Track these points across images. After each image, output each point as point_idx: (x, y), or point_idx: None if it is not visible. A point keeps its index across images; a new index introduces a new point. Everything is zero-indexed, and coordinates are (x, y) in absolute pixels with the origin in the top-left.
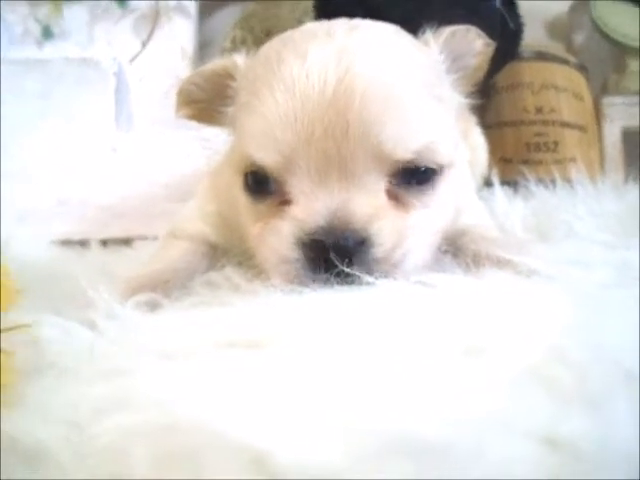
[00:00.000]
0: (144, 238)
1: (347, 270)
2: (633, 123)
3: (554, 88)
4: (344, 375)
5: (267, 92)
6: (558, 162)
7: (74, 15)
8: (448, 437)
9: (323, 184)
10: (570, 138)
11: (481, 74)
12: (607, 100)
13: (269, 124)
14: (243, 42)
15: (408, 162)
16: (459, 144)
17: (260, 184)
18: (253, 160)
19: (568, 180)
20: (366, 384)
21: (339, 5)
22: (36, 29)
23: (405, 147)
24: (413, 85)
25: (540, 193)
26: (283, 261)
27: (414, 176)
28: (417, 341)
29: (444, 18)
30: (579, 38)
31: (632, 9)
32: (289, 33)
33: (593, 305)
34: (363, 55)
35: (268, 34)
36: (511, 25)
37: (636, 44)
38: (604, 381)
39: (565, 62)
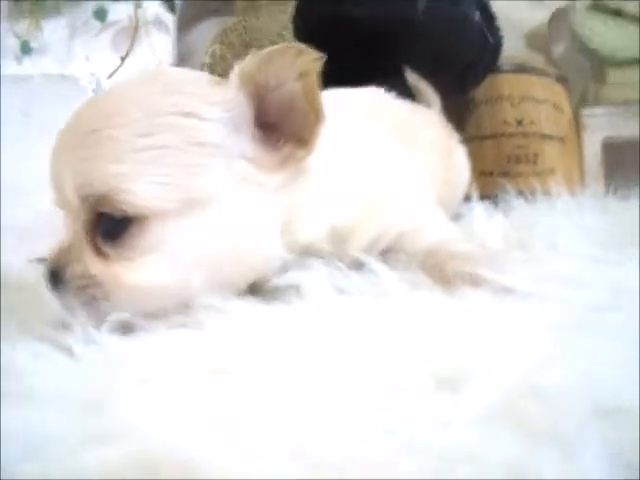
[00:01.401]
0: None
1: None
2: (614, 133)
3: (534, 100)
4: (311, 404)
5: None
6: (538, 174)
7: (53, 30)
8: (415, 470)
9: (63, 223)
10: (550, 150)
11: (313, 104)
12: (587, 111)
13: None
14: (222, 58)
15: (93, 210)
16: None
17: None
18: None
19: (548, 192)
20: (332, 414)
21: (315, 23)
22: (15, 44)
23: (78, 198)
24: (113, 130)
25: (520, 206)
26: None
27: (108, 224)
28: (386, 367)
29: (423, 35)
30: (558, 49)
31: (611, 20)
32: None
33: (575, 330)
34: (90, 106)
35: (247, 47)
36: (491, 40)
37: (615, 55)
38: (576, 419)
39: (544, 74)
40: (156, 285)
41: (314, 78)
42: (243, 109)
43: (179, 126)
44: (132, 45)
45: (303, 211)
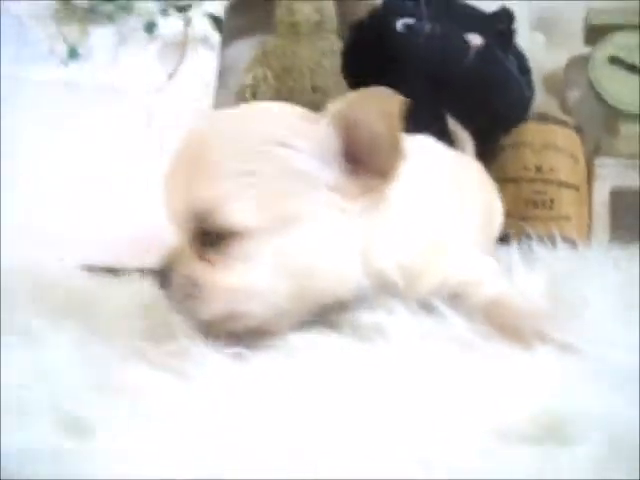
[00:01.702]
0: None
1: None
2: (621, 184)
3: (554, 149)
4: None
5: None
6: (553, 219)
7: (100, 37)
8: None
9: (176, 230)
10: (566, 197)
11: (394, 142)
12: (599, 161)
13: None
14: (264, 80)
15: (198, 223)
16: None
17: None
18: None
19: (563, 237)
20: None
21: (366, 61)
22: (62, 49)
23: (186, 213)
24: (217, 155)
25: (546, 255)
26: None
27: (210, 235)
28: (470, 417)
29: (467, 86)
30: (574, 95)
31: (628, 75)
32: None
33: None
34: (199, 134)
35: (287, 71)
36: (527, 93)
37: (629, 109)
38: None
39: (564, 124)
40: (247, 288)
41: (396, 118)
42: (332, 143)
43: (274, 155)
44: (180, 62)
45: (379, 239)
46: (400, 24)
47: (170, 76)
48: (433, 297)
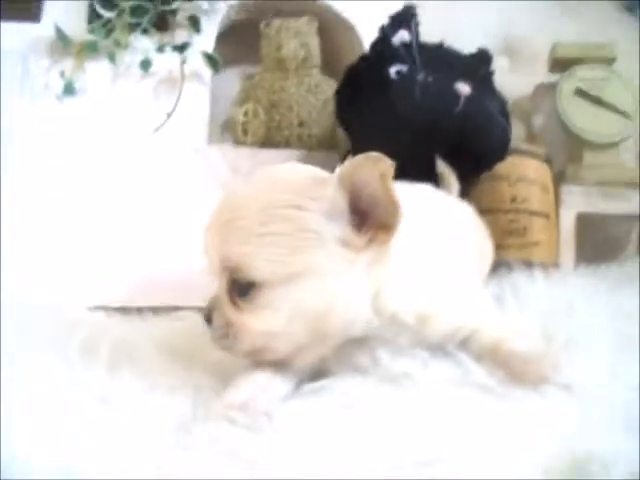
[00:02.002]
0: (181, 309)
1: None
2: (586, 210)
3: (526, 181)
4: None
5: None
6: (524, 246)
7: (95, 72)
8: None
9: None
10: (537, 225)
11: (391, 200)
12: (566, 188)
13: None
14: (255, 115)
15: (229, 275)
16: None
17: None
18: None
19: (530, 263)
20: None
21: (359, 108)
22: (58, 84)
23: (220, 264)
24: (244, 221)
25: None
26: None
27: (238, 285)
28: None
29: (456, 131)
30: (539, 121)
31: (593, 107)
32: None
33: None
34: (230, 198)
35: (274, 106)
36: (508, 135)
37: (593, 139)
38: None
39: (536, 156)
40: (270, 331)
41: (389, 179)
42: (339, 202)
43: (289, 217)
44: (178, 100)
45: (387, 285)
46: (393, 71)
47: (169, 115)
48: (445, 341)
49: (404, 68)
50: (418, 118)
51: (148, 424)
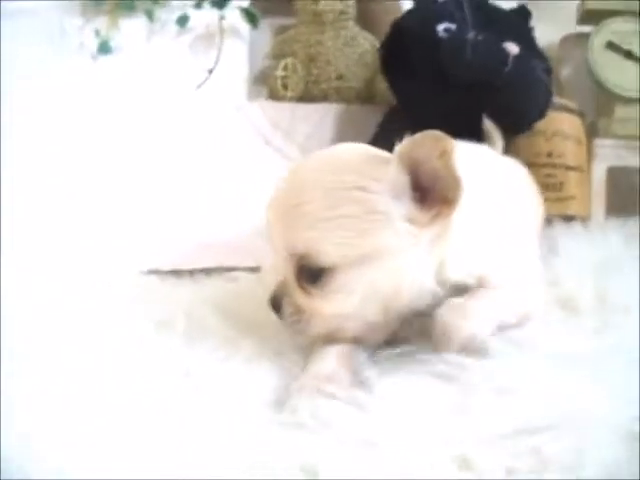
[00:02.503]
0: (232, 270)
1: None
2: (617, 163)
3: (562, 135)
4: None
5: None
6: (560, 200)
7: (130, 30)
8: None
9: (278, 267)
10: (573, 179)
11: (452, 175)
12: (598, 142)
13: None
14: (294, 70)
15: (298, 262)
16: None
17: None
18: None
19: (566, 216)
20: None
21: (406, 61)
22: (92, 42)
23: (289, 252)
24: (313, 206)
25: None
26: None
27: (308, 272)
28: None
29: (504, 91)
30: (567, 72)
31: (624, 61)
32: None
33: None
34: (291, 182)
35: (311, 60)
36: (551, 93)
37: (625, 94)
38: None
39: (570, 110)
40: (343, 313)
41: (451, 156)
42: (401, 181)
43: (356, 199)
44: (218, 57)
45: (449, 256)
46: (441, 29)
47: (210, 71)
48: None
49: (452, 26)
50: (468, 77)
51: (236, 400)
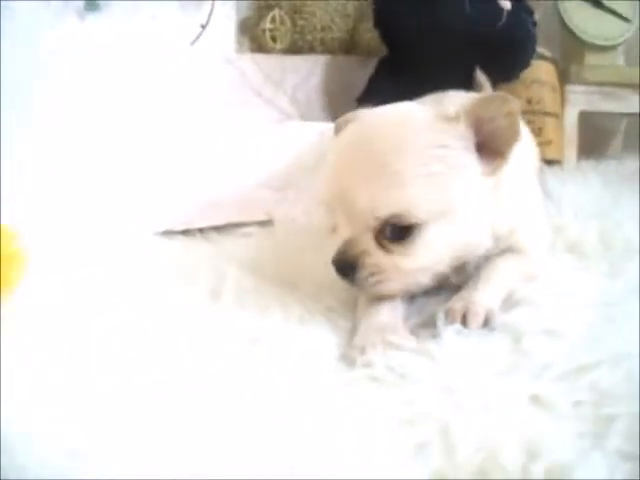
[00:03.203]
0: (243, 225)
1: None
2: (588, 108)
3: (539, 82)
4: None
5: (328, 157)
6: (539, 145)
7: None
8: None
9: (342, 226)
10: (550, 124)
11: (514, 133)
12: (570, 88)
13: (321, 179)
14: (282, 22)
15: (384, 221)
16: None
17: None
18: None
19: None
20: None
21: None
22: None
23: (373, 214)
24: (394, 167)
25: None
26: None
27: (393, 231)
28: None
29: (497, 45)
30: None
31: (594, 10)
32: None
33: None
34: (368, 141)
35: (297, 11)
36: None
37: (595, 42)
38: None
39: (546, 58)
40: (422, 267)
41: (517, 116)
42: (470, 137)
43: (439, 156)
44: (212, 11)
45: (499, 210)
46: None
47: (203, 27)
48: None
49: None
50: (465, 31)
51: (304, 361)
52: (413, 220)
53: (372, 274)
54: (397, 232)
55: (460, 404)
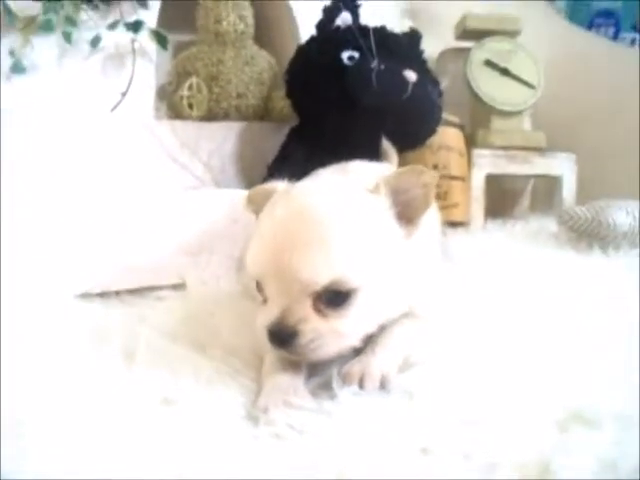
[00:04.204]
0: (158, 289)
1: (285, 350)
2: (495, 171)
3: (446, 148)
4: None
5: (257, 229)
6: (445, 208)
7: (42, 49)
8: None
9: (275, 296)
10: (456, 188)
11: (429, 202)
12: (477, 152)
13: (252, 252)
14: (199, 89)
15: (322, 289)
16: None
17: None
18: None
19: (452, 222)
20: None
21: (311, 87)
22: (5, 61)
23: (314, 282)
24: (330, 236)
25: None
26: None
27: (330, 297)
28: None
29: (403, 114)
30: (444, 84)
31: (500, 77)
32: (285, 189)
33: None
34: (303, 214)
35: (213, 79)
36: (441, 112)
37: (501, 107)
38: None
39: (453, 125)
40: (358, 332)
41: (432, 187)
42: (391, 205)
43: (369, 225)
44: (132, 79)
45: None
46: (345, 56)
47: (123, 94)
48: None
49: (355, 54)
50: (372, 103)
51: (210, 419)
52: (350, 285)
53: (312, 340)
54: (334, 298)
55: (355, 455)
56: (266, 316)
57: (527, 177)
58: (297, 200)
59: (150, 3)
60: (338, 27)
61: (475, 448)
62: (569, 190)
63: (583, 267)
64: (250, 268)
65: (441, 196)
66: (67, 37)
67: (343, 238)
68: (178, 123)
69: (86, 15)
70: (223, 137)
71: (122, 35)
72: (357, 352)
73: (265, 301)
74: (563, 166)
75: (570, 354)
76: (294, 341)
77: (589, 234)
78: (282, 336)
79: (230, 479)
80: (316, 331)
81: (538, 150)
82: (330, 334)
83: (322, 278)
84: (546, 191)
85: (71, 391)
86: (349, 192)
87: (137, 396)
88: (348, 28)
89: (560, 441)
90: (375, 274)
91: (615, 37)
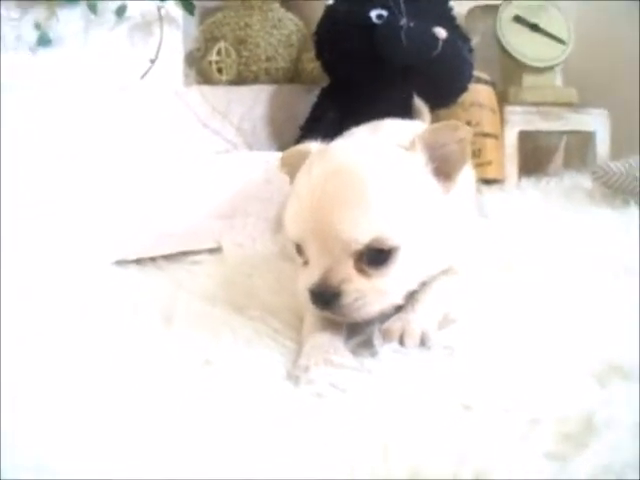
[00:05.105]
0: (193, 254)
1: (328, 311)
2: (527, 127)
3: (478, 105)
4: None
5: (295, 190)
6: (479, 165)
7: (67, 21)
8: None
9: (317, 257)
10: (489, 145)
11: (465, 157)
12: (509, 109)
13: (291, 214)
14: (228, 54)
15: (364, 248)
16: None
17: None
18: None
19: (485, 180)
20: None
21: (341, 46)
22: (31, 35)
23: (356, 241)
24: (370, 194)
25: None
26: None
27: (372, 255)
28: None
29: (434, 71)
30: (474, 41)
31: (530, 33)
32: (321, 149)
33: None
34: (341, 174)
35: (241, 43)
36: (473, 70)
37: (531, 63)
38: None
39: (484, 82)
40: (400, 290)
41: (467, 142)
42: (427, 161)
43: (406, 182)
44: (160, 46)
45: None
46: (374, 15)
47: (153, 60)
48: None
49: (384, 12)
50: (402, 61)
51: (251, 380)
52: (391, 243)
53: (355, 300)
54: (375, 257)
55: (397, 412)
56: (308, 278)
57: (560, 133)
58: (334, 160)
59: None
60: None
61: (516, 403)
62: (603, 146)
63: (618, 223)
64: (289, 231)
65: (475, 154)
66: (92, 8)
67: (383, 196)
68: (207, 88)
69: None
70: (253, 100)
71: (148, 3)
72: (397, 310)
73: (306, 263)
74: (596, 122)
75: (607, 309)
76: (337, 302)
77: (624, 190)
78: (325, 297)
79: (272, 439)
80: (359, 291)
81: (570, 106)
82: (373, 293)
83: (364, 236)
84: (579, 147)
85: (112, 355)
86: (385, 150)
87: (178, 359)
88: None
89: (600, 395)
90: (415, 231)
91: None
